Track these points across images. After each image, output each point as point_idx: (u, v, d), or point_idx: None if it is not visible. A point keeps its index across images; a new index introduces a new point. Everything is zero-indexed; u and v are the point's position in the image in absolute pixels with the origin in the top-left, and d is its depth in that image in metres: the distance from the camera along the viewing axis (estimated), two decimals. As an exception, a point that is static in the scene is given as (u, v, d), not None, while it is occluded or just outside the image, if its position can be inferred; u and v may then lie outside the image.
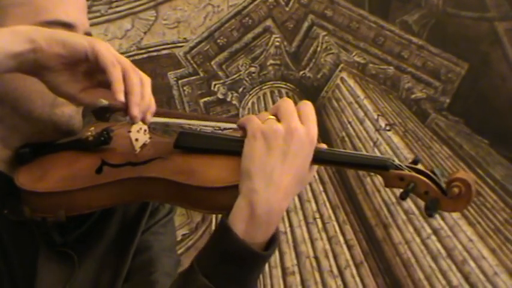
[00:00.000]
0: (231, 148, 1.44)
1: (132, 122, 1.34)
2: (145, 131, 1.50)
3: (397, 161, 1.41)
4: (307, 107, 1.41)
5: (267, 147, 1.36)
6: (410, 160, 1.43)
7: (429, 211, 1.39)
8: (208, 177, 1.39)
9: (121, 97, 1.30)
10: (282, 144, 1.36)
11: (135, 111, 1.32)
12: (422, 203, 1.41)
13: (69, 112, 1.51)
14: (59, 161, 1.50)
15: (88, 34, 1.55)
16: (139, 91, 1.32)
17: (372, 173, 1.49)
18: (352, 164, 1.48)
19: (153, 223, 1.61)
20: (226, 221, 1.37)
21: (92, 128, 1.54)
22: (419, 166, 1.42)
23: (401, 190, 1.40)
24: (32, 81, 1.42)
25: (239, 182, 1.38)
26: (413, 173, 1.40)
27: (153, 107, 1.36)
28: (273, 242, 1.39)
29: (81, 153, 1.51)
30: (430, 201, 1.39)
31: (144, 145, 1.50)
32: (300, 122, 1.38)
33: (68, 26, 1.50)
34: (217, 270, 1.37)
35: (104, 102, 1.34)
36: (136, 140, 1.48)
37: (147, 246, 1.59)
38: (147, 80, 1.35)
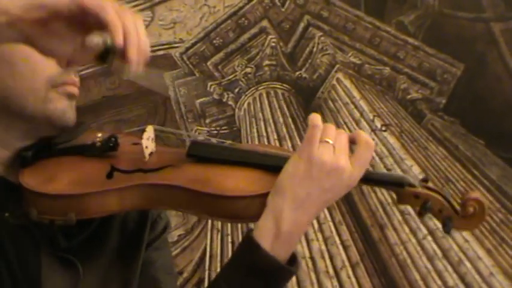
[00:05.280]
0: (245, 160, 1.47)
1: (130, 65, 1.24)
2: (152, 139, 1.51)
3: (411, 179, 1.45)
4: (368, 151, 1.42)
5: (310, 174, 1.38)
6: (420, 179, 1.47)
7: (447, 228, 1.45)
8: (226, 186, 1.41)
9: (120, 40, 1.22)
10: (323, 177, 1.38)
11: (134, 54, 1.23)
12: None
13: (62, 107, 1.50)
14: (66, 164, 1.49)
15: None
16: (136, 33, 1.25)
17: (387, 190, 1.54)
18: (371, 180, 1.50)
19: (153, 237, 1.61)
20: (253, 236, 1.38)
21: (100, 135, 1.53)
22: (430, 185, 1.46)
23: (416, 208, 1.45)
24: (22, 78, 1.41)
25: (260, 193, 1.40)
26: (428, 191, 1.44)
27: (147, 51, 1.27)
28: (294, 260, 1.41)
29: (88, 159, 1.50)
30: (446, 219, 1.44)
31: (151, 154, 1.50)
32: (352, 161, 1.40)
33: None
34: (245, 284, 1.39)
35: (99, 39, 1.23)
36: (146, 147, 1.49)
37: (150, 261, 1.59)
38: (139, 19, 1.28)
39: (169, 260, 1.68)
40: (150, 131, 1.50)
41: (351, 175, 1.40)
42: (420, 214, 1.45)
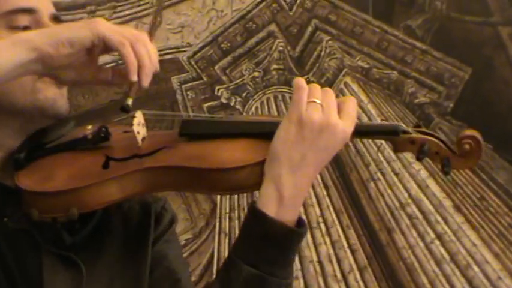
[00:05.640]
0: (238, 131, 1.48)
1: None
2: (143, 124, 1.51)
3: (404, 126, 1.47)
4: (352, 103, 1.44)
5: (302, 136, 1.39)
6: (413, 125, 1.49)
7: (446, 168, 1.45)
8: (223, 158, 1.42)
9: (135, 78, 1.35)
10: (316, 136, 1.39)
11: (146, 83, 1.37)
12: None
13: (52, 96, 1.50)
14: (60, 161, 1.49)
15: (54, 16, 1.53)
16: (149, 62, 1.36)
17: (383, 140, 1.55)
18: (365, 132, 1.52)
19: (161, 231, 1.61)
20: (257, 206, 1.40)
21: (90, 127, 1.53)
22: (423, 129, 1.48)
23: (413, 153, 1.46)
24: None
25: (258, 160, 1.41)
26: (423, 135, 1.46)
27: (157, 62, 1.40)
28: (301, 222, 1.43)
29: (81, 153, 1.50)
30: (444, 160, 1.45)
31: (143, 138, 1.50)
32: (340, 116, 1.41)
33: (29, 11, 1.49)
34: (260, 255, 1.39)
35: (130, 101, 1.38)
36: (138, 133, 1.49)
37: (163, 255, 1.58)
38: (150, 44, 1.39)
39: (180, 251, 1.68)
40: (139, 117, 1.50)
41: (343, 129, 1.40)
42: (418, 159, 1.46)
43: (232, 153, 1.43)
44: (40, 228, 1.46)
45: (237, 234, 1.45)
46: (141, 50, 1.35)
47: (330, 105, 1.40)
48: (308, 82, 1.44)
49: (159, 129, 1.60)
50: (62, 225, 1.47)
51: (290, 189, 1.39)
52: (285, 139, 1.39)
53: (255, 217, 1.40)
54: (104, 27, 1.34)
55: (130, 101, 1.37)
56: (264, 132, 1.44)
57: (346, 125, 1.40)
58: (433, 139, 1.46)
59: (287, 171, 1.39)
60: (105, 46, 1.34)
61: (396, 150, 1.48)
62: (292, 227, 1.40)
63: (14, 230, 1.46)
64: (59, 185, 1.43)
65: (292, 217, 1.41)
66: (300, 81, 1.43)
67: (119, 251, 1.55)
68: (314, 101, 1.40)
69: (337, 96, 1.45)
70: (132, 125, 1.48)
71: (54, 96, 1.50)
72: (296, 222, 1.42)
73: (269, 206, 1.39)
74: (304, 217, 3.16)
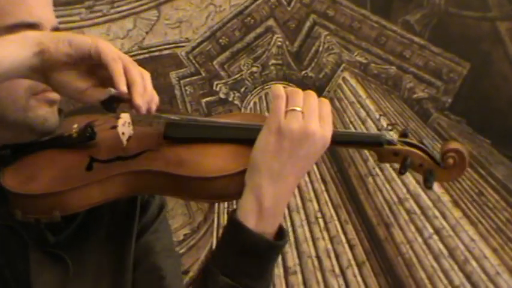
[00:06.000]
0: (222, 136, 1.46)
1: (138, 112, 1.34)
2: (129, 123, 1.50)
3: (389, 136, 1.44)
4: (327, 106, 1.42)
5: (281, 146, 1.38)
6: (399, 133, 1.47)
7: (428, 183, 1.42)
8: (205, 166, 1.41)
9: (123, 88, 1.31)
10: (296, 146, 1.38)
11: (139, 100, 1.32)
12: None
13: (43, 114, 1.50)
14: (45, 160, 1.49)
15: (56, 29, 1.54)
16: (141, 83, 1.33)
17: (366, 150, 1.54)
18: (348, 142, 1.51)
19: (149, 220, 1.60)
20: (237, 218, 1.39)
21: (75, 125, 1.52)
22: (410, 138, 1.45)
23: (397, 165, 1.43)
24: (2, 88, 1.41)
25: (240, 170, 1.40)
26: (407, 147, 1.43)
27: (156, 98, 1.36)
28: (281, 233, 1.42)
29: (66, 151, 1.50)
30: (427, 172, 1.42)
31: (129, 138, 1.49)
32: (319, 121, 1.39)
33: (33, 26, 1.49)
34: (237, 267, 1.39)
35: (113, 91, 1.34)
36: (123, 133, 1.48)
37: (150, 247, 1.58)
38: (147, 75, 1.36)
39: (169, 241, 1.66)
40: (125, 117, 1.49)
41: (323, 136, 1.38)
42: (401, 173, 1.43)
43: (215, 161, 1.42)
44: (25, 226, 1.46)
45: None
46: (134, 71, 1.34)
47: (310, 112, 1.39)
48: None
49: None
50: (45, 225, 1.47)
51: (270, 200, 1.38)
52: (264, 149, 1.38)
53: (234, 228, 1.39)
54: (105, 45, 1.34)
55: (112, 91, 1.35)
56: (249, 139, 1.42)
57: (325, 131, 1.39)
58: (418, 151, 1.43)
59: (267, 182, 1.38)
60: (99, 61, 1.33)
61: (379, 160, 1.45)
62: (270, 240, 1.39)
63: (1, 226, 1.46)
64: (42, 187, 1.42)
65: (272, 228, 1.40)
66: (278, 89, 1.42)
67: (105, 247, 1.54)
68: (294, 109, 1.39)
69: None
70: (117, 126, 1.48)
71: (45, 114, 1.50)
72: (277, 231, 1.41)
73: (249, 217, 1.38)
74: (302, 212, 3.18)
